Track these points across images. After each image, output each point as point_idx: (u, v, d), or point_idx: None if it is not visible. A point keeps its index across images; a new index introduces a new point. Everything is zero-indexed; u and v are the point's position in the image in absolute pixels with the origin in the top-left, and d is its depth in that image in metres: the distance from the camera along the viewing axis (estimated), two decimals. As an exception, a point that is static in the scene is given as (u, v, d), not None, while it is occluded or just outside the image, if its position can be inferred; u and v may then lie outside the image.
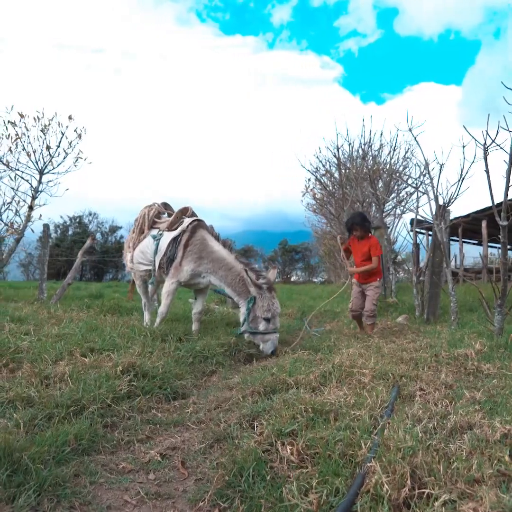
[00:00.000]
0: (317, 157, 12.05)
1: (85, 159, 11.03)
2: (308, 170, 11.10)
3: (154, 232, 6.12)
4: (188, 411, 3.24)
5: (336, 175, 11.90)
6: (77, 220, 44.09)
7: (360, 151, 11.00)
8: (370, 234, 6.40)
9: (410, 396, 3.17)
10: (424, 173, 6.76)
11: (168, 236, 5.79)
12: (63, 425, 2.69)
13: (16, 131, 10.44)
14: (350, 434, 2.33)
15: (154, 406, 3.29)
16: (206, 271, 5.44)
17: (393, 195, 10.49)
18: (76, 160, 10.91)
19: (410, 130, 6.33)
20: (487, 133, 4.37)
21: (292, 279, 45.55)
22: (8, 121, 10.45)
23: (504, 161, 4.36)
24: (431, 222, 6.91)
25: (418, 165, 8.77)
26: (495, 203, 4.56)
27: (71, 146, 10.93)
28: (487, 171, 4.47)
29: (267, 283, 5.21)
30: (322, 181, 12.02)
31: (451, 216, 17.49)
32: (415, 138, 6.41)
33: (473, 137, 4.58)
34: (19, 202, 10.42)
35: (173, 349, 4.40)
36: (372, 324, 6.26)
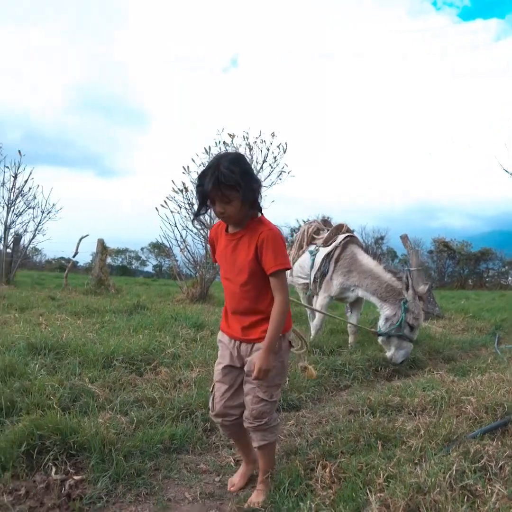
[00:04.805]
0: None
1: (288, 173, 11.81)
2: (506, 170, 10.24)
3: (312, 247, 6.48)
4: (289, 423, 3.50)
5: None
6: (311, 224, 45.85)
7: None
8: (261, 215, 2.50)
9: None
10: None
11: (323, 252, 6.11)
12: (168, 425, 3.18)
13: (227, 151, 11.59)
14: (385, 463, 2.40)
15: (260, 415, 3.61)
16: (353, 284, 5.64)
17: None
18: (280, 174, 11.72)
19: None
20: None
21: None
22: (221, 142, 11.68)
23: None
24: None
25: None
26: None
27: (276, 161, 11.77)
28: None
29: (422, 292, 5.32)
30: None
31: None
32: None
33: None
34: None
35: (310, 362, 4.65)
36: (267, 446, 2.53)
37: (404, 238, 10.07)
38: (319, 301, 5.99)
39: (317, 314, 6.07)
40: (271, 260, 2.37)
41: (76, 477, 2.56)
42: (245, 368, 2.47)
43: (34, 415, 2.89)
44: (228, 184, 2.25)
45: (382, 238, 43.18)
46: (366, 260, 5.66)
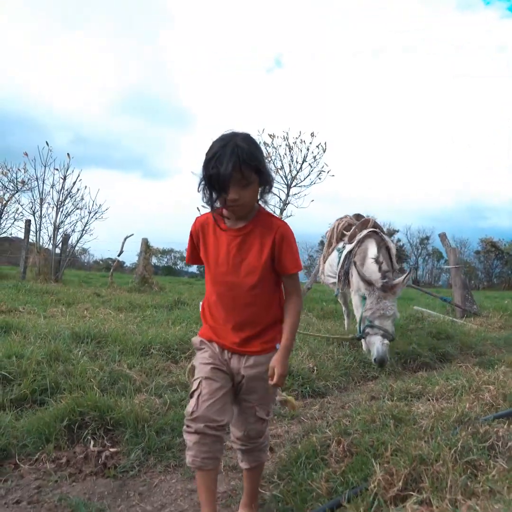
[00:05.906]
0: None
1: (328, 172, 11.96)
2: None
3: (340, 245, 6.10)
4: (313, 408, 3.68)
5: None
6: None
7: None
8: (265, 209, 2.11)
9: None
10: None
11: (347, 249, 5.69)
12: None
13: (267, 151, 11.82)
14: (395, 439, 2.56)
15: (287, 401, 3.81)
16: None
17: None
18: (319, 173, 11.88)
19: None
20: None
21: None
22: (262, 142, 11.90)
23: None
24: None
25: None
26: None
27: (315, 160, 11.93)
28: None
29: (385, 282, 4.75)
30: None
31: None
32: None
33: None
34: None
35: (339, 354, 4.83)
36: (259, 467, 2.28)
37: (442, 236, 10.08)
38: (353, 300, 5.52)
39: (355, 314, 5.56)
40: (292, 260, 2.07)
41: (111, 449, 2.82)
42: (244, 382, 2.09)
43: (75, 394, 3.15)
44: (251, 163, 1.88)
45: (427, 238, 42.69)
46: (371, 254, 5.15)
